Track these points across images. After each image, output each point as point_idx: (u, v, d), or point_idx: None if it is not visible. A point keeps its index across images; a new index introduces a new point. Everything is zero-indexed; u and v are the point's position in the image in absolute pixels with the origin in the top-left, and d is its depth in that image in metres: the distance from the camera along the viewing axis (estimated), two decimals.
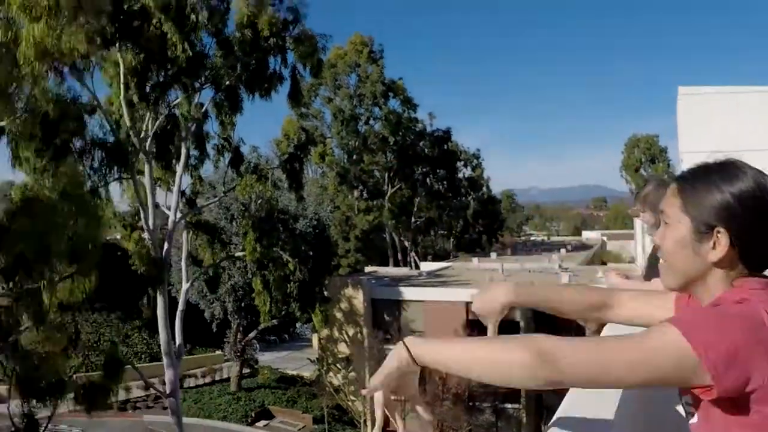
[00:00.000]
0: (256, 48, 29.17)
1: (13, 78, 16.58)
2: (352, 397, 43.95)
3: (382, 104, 67.55)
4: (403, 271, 61.13)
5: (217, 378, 54.00)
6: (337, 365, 45.62)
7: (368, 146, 68.47)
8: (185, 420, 32.90)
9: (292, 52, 30.41)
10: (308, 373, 52.07)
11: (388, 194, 69.72)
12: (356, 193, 68.35)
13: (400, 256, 74.54)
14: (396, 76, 69.44)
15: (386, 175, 70.90)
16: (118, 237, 33.06)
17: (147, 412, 47.37)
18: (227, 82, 29.63)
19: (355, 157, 67.70)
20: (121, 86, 27.93)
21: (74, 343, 21.34)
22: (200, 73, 28.83)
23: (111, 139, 27.80)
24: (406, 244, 74.59)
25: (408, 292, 45.08)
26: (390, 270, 61.47)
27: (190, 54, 27.10)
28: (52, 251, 18.32)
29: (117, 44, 27.07)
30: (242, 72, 29.62)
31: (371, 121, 68.68)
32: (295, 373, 55.60)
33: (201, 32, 28.26)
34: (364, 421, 43.15)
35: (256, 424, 46.57)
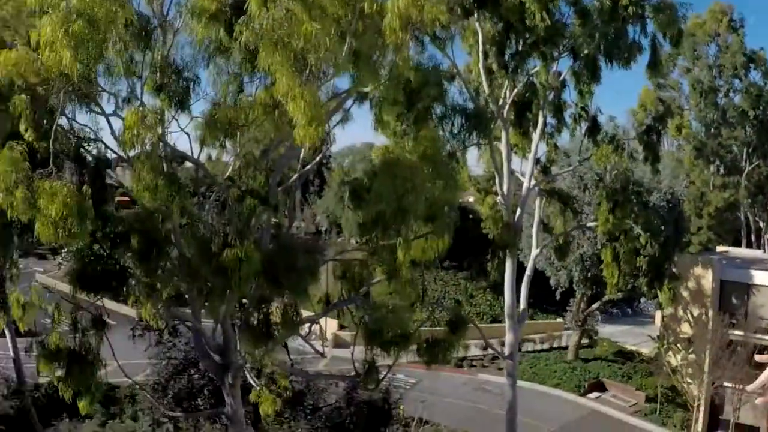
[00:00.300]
0: (614, 17, 26.75)
1: (378, 47, 16.35)
2: (689, 380, 40.39)
3: (742, 76, 61.65)
4: (755, 253, 54.80)
5: (554, 345, 52.86)
6: (678, 345, 42.39)
7: (727, 120, 62.70)
8: (518, 383, 32.11)
9: (651, 21, 27.50)
10: (647, 349, 48.79)
11: (746, 171, 63.22)
12: (712, 169, 62.75)
13: (753, 238, 67.43)
14: (757, 46, 62.63)
15: (744, 150, 64.49)
16: (471, 200, 32.73)
17: (482, 371, 47.64)
18: (585, 51, 27.60)
19: (712, 130, 62.19)
20: (480, 55, 27.44)
21: (421, 299, 21.14)
22: (558, 42, 27.16)
23: (470, 105, 27.29)
24: (761, 225, 67.18)
25: (760, 276, 40.65)
26: (742, 251, 55.58)
27: (549, 23, 25.55)
28: (409, 211, 17.98)
29: (476, 14, 26.57)
30: (600, 41, 27.37)
31: (731, 94, 62.92)
32: (633, 348, 52.52)
33: (559, 1, 26.60)
34: (697, 406, 39.58)
35: (589, 395, 44.83)
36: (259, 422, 30.84)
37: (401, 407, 31.44)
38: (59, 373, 18.01)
